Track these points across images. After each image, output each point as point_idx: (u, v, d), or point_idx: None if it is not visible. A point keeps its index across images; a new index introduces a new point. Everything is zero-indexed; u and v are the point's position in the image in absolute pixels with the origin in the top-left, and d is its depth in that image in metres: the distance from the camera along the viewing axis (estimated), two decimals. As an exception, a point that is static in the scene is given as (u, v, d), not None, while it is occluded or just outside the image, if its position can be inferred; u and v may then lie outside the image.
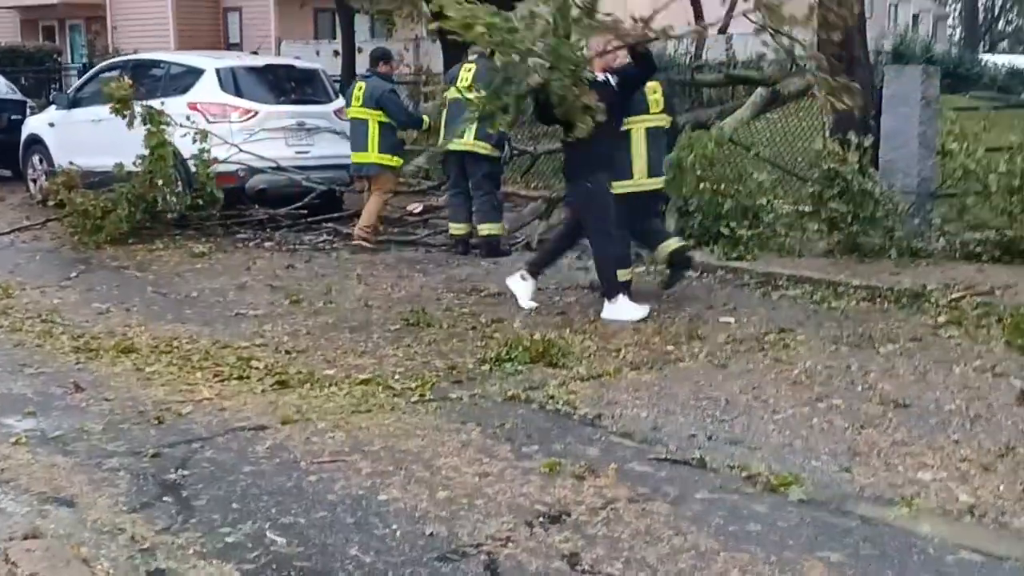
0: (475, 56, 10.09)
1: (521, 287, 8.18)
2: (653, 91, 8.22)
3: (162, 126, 11.04)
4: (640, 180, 8.12)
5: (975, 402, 5.74)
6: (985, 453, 4.99)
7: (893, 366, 6.45)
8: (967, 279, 8.32)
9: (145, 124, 11.01)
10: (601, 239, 7.94)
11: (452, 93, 10.04)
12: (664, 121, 8.41)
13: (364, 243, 10.73)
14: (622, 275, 7.88)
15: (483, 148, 10.09)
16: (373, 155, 10.75)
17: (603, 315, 7.76)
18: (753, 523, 4.28)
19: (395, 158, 10.90)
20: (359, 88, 10.95)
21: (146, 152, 11.02)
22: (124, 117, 11.06)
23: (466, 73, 10.10)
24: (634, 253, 8.60)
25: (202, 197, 11.36)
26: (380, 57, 11.23)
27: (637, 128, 8.13)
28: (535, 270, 8.29)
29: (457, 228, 10.51)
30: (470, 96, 9.17)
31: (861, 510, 4.42)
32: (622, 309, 7.75)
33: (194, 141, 11.12)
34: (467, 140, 9.91)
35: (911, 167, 9.77)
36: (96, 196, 10.93)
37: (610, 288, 7.86)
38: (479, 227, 10.31)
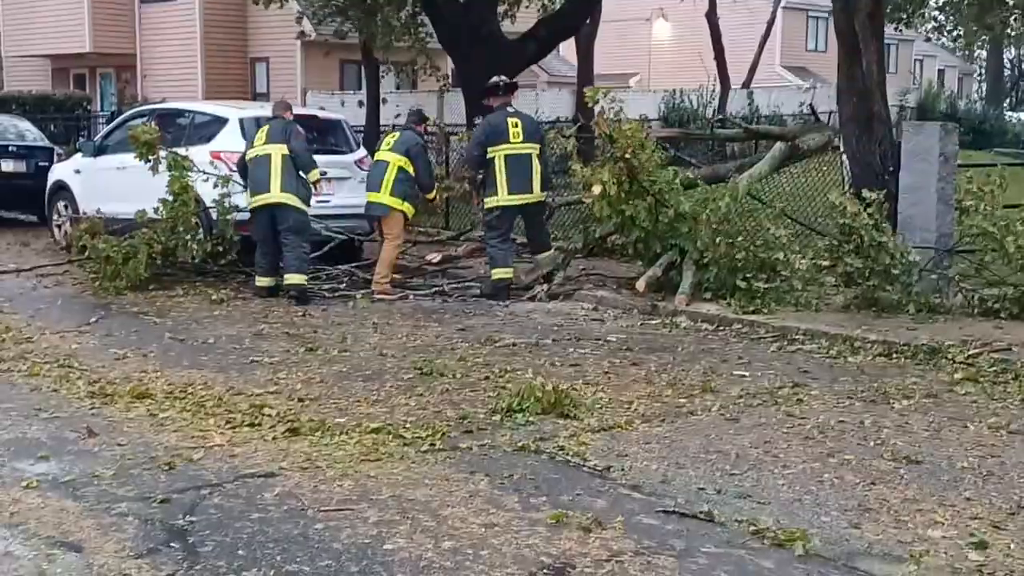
0: (512, 110, 10.85)
1: None
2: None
3: (185, 172, 11.18)
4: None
5: (988, 460, 5.70)
6: (996, 511, 4.95)
7: (907, 422, 6.41)
8: (985, 335, 8.29)
9: (169, 170, 11.15)
10: None
11: (508, 149, 10.61)
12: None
13: (384, 295, 10.84)
14: None
15: (544, 196, 11.15)
16: (384, 196, 11.02)
17: None
18: (759, 579, 4.25)
19: (405, 203, 11.13)
20: (392, 136, 11.54)
21: (168, 198, 11.15)
22: (148, 161, 11.20)
23: (515, 128, 10.65)
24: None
25: (222, 244, 11.47)
26: (417, 120, 11.78)
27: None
28: None
29: (506, 272, 10.84)
30: (527, 150, 10.49)
31: (869, 567, 4.38)
32: None
33: (215, 187, 11.25)
34: (536, 193, 10.81)
35: (929, 223, 9.76)
36: (118, 242, 11.02)
37: None
38: (504, 270, 10.88)
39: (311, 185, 10.84)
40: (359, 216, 11.76)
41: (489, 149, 10.66)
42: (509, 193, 10.67)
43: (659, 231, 10.30)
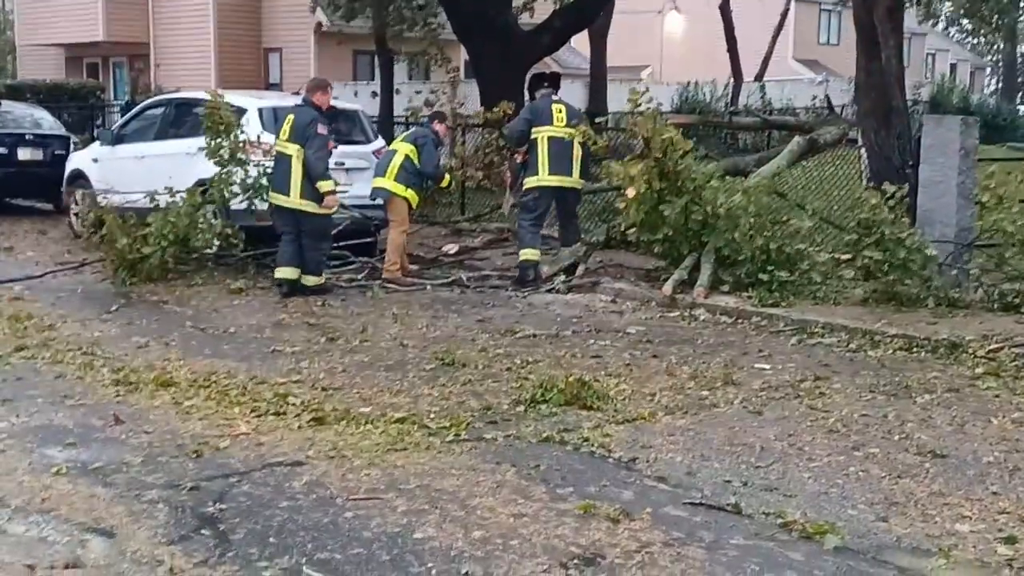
0: (557, 97, 11.32)
1: None
2: None
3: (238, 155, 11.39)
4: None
5: (1013, 454, 5.71)
6: (1023, 506, 4.96)
7: (930, 416, 6.42)
8: (1005, 330, 8.28)
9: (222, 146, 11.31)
10: None
11: (551, 131, 10.93)
12: None
13: (393, 283, 10.88)
14: None
15: (581, 184, 11.30)
16: (388, 181, 11.19)
17: None
18: (789, 571, 4.27)
19: (409, 191, 11.23)
20: (407, 132, 12.03)
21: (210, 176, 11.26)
22: (217, 141, 11.32)
23: (559, 113, 11.06)
24: None
25: (235, 234, 11.50)
26: (433, 119, 12.06)
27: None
28: None
29: (533, 253, 10.99)
30: (567, 134, 10.75)
31: (898, 560, 4.40)
32: None
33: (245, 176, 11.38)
34: (575, 178, 11.08)
35: (949, 217, 9.75)
36: (133, 238, 10.86)
37: None
38: (531, 250, 11.02)
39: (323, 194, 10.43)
40: (378, 206, 11.78)
41: (533, 130, 11.04)
42: (549, 174, 10.97)
43: (689, 228, 10.14)
